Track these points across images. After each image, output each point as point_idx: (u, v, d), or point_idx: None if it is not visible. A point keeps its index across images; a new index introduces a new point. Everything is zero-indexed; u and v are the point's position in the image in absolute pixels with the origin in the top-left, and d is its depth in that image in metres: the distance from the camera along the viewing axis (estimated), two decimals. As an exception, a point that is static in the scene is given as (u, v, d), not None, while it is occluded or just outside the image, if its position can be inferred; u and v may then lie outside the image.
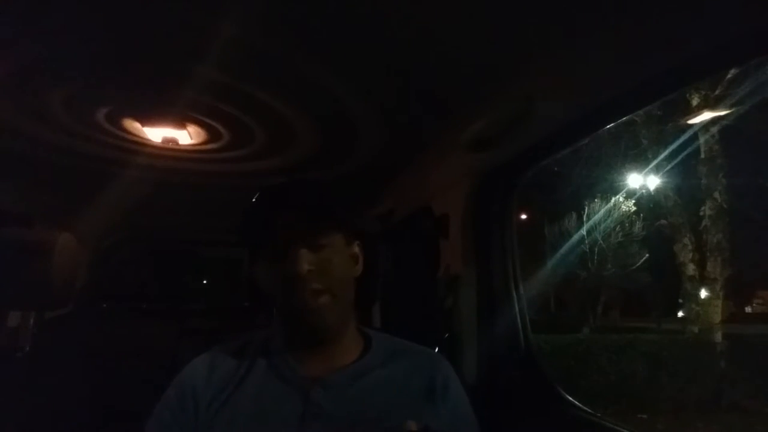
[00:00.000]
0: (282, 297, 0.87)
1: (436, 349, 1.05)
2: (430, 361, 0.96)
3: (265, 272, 0.89)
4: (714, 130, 8.63)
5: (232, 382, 0.88)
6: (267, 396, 0.86)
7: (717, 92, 7.98)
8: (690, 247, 9.13)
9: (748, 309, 20.58)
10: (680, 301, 10.30)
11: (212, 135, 1.46)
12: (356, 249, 0.95)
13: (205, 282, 3.50)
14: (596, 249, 12.53)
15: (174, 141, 1.48)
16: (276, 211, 0.88)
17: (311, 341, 0.89)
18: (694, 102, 8.33)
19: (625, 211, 11.58)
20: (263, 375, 0.89)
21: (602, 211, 11.60)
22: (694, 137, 8.78)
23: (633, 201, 11.39)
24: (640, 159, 10.13)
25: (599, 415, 1.16)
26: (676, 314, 12.28)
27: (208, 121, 1.36)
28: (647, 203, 11.09)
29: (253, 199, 0.94)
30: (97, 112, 1.32)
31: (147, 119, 1.37)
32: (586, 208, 11.84)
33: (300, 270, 0.83)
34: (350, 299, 0.92)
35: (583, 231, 12.03)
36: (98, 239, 2.56)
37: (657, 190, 10.06)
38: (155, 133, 1.45)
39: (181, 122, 1.38)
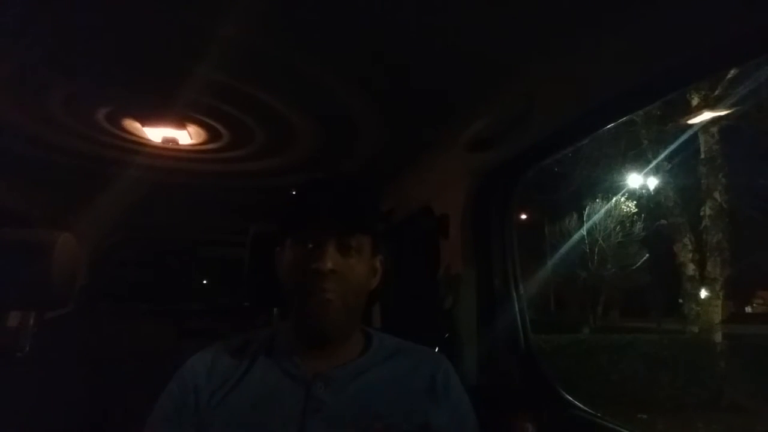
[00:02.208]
0: (298, 289, 0.87)
1: (436, 349, 1.05)
2: (431, 359, 0.97)
3: (289, 261, 0.89)
4: (714, 130, 8.63)
5: (233, 377, 0.88)
6: (268, 390, 0.86)
7: (717, 92, 7.98)
8: (690, 247, 9.12)
9: (748, 309, 20.55)
10: (680, 301, 10.28)
11: (212, 135, 1.46)
12: (378, 263, 0.95)
13: (205, 282, 3.50)
14: (596, 249, 12.52)
15: (174, 141, 1.48)
16: (317, 204, 0.88)
17: (317, 339, 0.89)
18: (694, 102, 8.32)
19: (625, 211, 11.58)
20: (265, 370, 0.89)
21: (602, 211, 11.59)
22: (694, 137, 8.78)
23: (633, 201, 11.39)
24: (640, 159, 10.13)
25: (599, 415, 1.16)
26: (676, 314, 12.29)
27: (208, 121, 1.36)
28: (647, 203, 11.08)
29: (300, 187, 0.94)
30: (97, 112, 1.32)
31: (147, 119, 1.37)
32: (586, 208, 11.84)
33: (322, 267, 0.83)
34: (361, 307, 0.92)
35: (583, 231, 12.03)
36: (98, 239, 2.56)
37: (657, 190, 10.05)
38: (155, 133, 1.45)
39: (181, 122, 1.38)
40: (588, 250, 12.57)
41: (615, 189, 11.20)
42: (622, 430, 1.05)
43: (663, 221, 10.04)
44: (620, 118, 1.07)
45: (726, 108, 7.73)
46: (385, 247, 0.96)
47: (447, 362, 0.98)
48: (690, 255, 9.09)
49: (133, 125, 1.40)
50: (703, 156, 8.79)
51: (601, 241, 12.23)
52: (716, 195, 8.60)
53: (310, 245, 0.86)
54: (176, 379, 0.90)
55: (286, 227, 0.91)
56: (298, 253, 0.87)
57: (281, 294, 0.90)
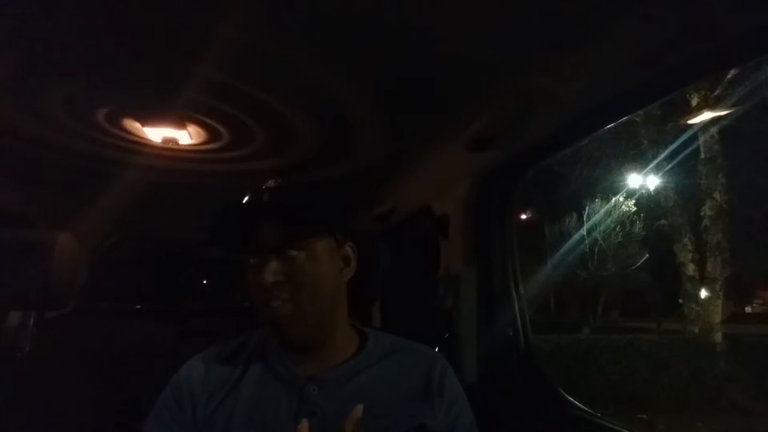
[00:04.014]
0: (256, 304, 0.87)
1: (436, 350, 1.05)
2: (426, 358, 0.96)
3: (245, 277, 0.89)
4: (714, 130, 8.63)
5: (229, 381, 0.88)
6: (263, 395, 0.86)
7: (717, 92, 7.98)
8: (690, 247, 9.12)
9: (748, 309, 20.54)
10: (680, 301, 10.28)
11: (212, 135, 1.46)
12: (348, 251, 0.93)
13: (205, 282, 3.49)
14: (596, 249, 12.52)
15: (174, 141, 1.48)
16: (247, 222, 0.87)
17: (292, 346, 0.89)
18: (694, 102, 8.32)
19: (625, 211, 11.58)
20: (259, 374, 0.89)
21: (602, 211, 11.59)
22: (694, 137, 8.78)
23: (633, 201, 11.39)
24: (640, 159, 10.13)
25: (599, 415, 1.16)
26: (676, 314, 12.29)
27: (208, 121, 1.36)
28: (647, 203, 11.08)
29: (223, 209, 0.91)
30: (97, 112, 1.32)
31: (147, 119, 1.37)
32: (586, 208, 11.83)
33: (264, 282, 0.82)
34: (332, 303, 0.90)
35: (583, 231, 12.02)
36: (98, 239, 2.55)
37: (657, 190, 10.05)
38: (155, 133, 1.44)
39: (181, 122, 1.38)
40: (588, 250, 12.57)
41: (615, 189, 11.21)
42: (622, 430, 1.05)
43: (663, 221, 10.04)
44: (620, 118, 1.07)
45: (726, 108, 7.73)
46: (354, 233, 0.95)
47: (443, 359, 0.97)
48: (690, 255, 9.10)
49: (133, 125, 1.40)
50: (703, 156, 8.80)
51: (601, 241, 12.22)
52: (716, 195, 8.60)
53: (253, 260, 0.85)
54: (171, 385, 0.90)
55: (228, 249, 0.91)
56: (247, 269, 0.87)
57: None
